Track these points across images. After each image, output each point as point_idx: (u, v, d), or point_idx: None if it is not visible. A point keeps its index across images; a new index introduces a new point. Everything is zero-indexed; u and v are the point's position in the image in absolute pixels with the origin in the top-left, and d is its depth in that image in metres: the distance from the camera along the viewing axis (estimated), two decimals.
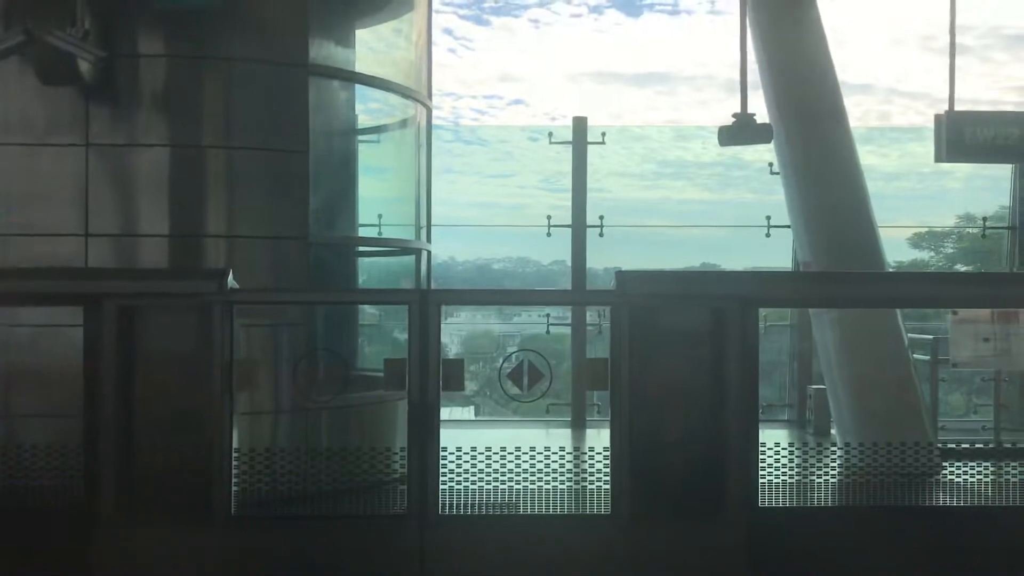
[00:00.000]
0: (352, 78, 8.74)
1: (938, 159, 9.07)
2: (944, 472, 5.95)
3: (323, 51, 8.29)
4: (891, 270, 9.85)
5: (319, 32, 8.14)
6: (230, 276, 5.47)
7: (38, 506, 5.48)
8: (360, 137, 9.42)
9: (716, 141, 9.10)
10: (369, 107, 9.47)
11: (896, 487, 5.77)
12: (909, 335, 9.28)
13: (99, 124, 7.47)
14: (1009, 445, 9.49)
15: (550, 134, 12.30)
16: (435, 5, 10.06)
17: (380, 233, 9.57)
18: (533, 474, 5.56)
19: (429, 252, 9.65)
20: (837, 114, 9.10)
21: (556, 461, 5.60)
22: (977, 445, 8.10)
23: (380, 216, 9.56)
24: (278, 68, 7.86)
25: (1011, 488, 5.84)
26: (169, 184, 7.66)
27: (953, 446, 6.89)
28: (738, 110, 8.89)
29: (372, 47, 9.50)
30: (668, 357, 5.49)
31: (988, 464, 5.93)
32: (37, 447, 5.61)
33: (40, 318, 6.94)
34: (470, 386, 13.54)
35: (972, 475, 5.85)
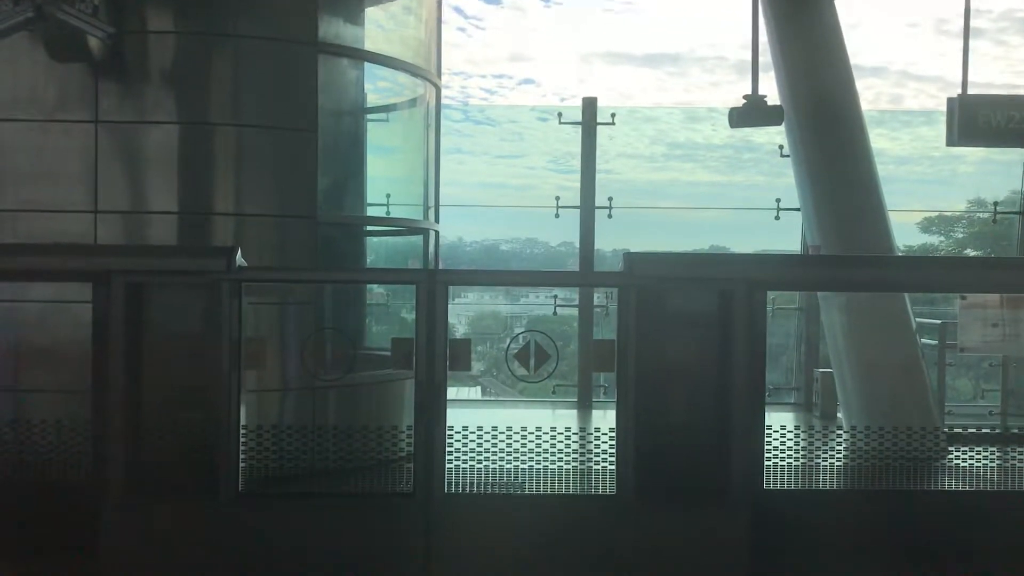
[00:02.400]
0: (361, 56, 8.70)
1: (950, 143, 8.99)
2: (950, 456, 5.96)
3: (332, 29, 8.26)
4: (900, 254, 9.82)
5: (328, 10, 8.11)
6: (238, 254, 5.48)
7: (47, 481, 5.53)
8: (369, 116, 9.39)
9: (726, 123, 9.04)
10: (378, 86, 9.44)
11: (902, 471, 5.78)
12: (917, 319, 9.26)
13: (108, 101, 7.47)
14: (1016, 430, 9.49)
15: (559, 114, 12.25)
16: None
17: (388, 213, 9.57)
18: (539, 454, 5.58)
19: (437, 232, 9.64)
20: (849, 96, 9.04)
21: (562, 442, 5.62)
22: (984, 430, 8.12)
23: (388, 196, 9.55)
24: (287, 46, 7.84)
25: (1017, 473, 5.84)
26: (178, 161, 7.66)
27: (960, 431, 6.89)
28: (749, 92, 8.83)
29: (382, 25, 9.46)
30: (675, 339, 5.49)
31: (994, 449, 5.93)
32: (46, 423, 5.66)
33: (49, 294, 6.97)
34: (477, 366, 13.58)
35: (978, 460, 5.86)
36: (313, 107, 7.90)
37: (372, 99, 9.36)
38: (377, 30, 9.29)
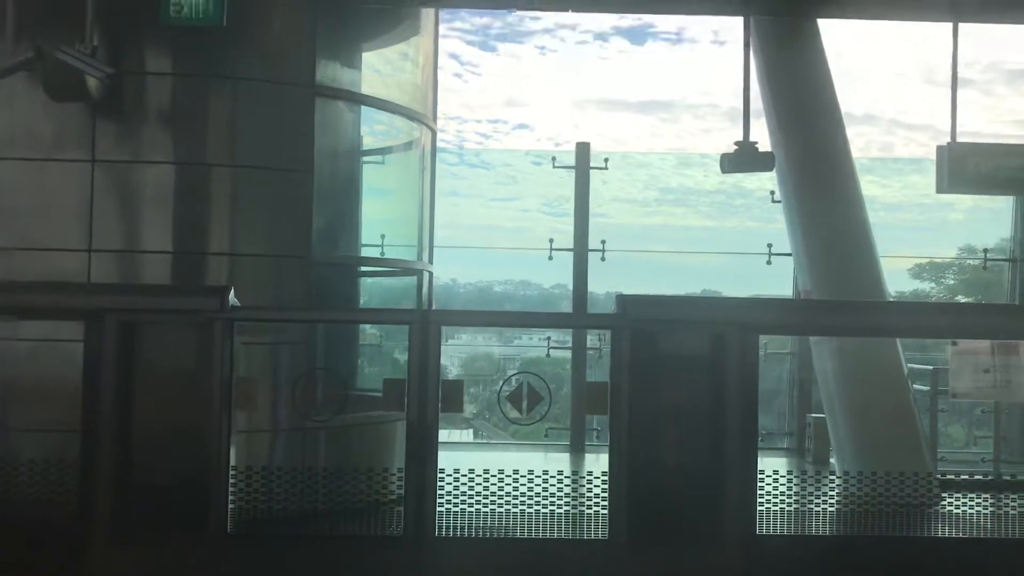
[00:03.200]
0: (358, 99, 8.78)
1: (940, 190, 9.09)
2: (943, 503, 5.94)
3: (329, 72, 8.34)
4: (892, 300, 9.85)
5: (326, 53, 8.20)
6: (231, 293, 5.48)
7: (34, 521, 5.47)
8: (365, 158, 9.46)
9: (718, 168, 9.13)
10: (374, 128, 9.52)
11: (895, 517, 5.75)
12: (909, 365, 9.27)
13: (105, 140, 7.51)
14: (1009, 477, 9.46)
15: (553, 159, 12.35)
16: (442, 30, 10.13)
17: (383, 253, 9.59)
18: (531, 497, 5.54)
19: (431, 273, 9.66)
20: (839, 144, 9.13)
21: (554, 485, 5.59)
22: (977, 477, 8.10)
23: (383, 236, 9.58)
24: (284, 88, 7.91)
25: (1010, 520, 5.82)
26: (173, 201, 7.68)
27: (952, 477, 6.87)
28: (740, 138, 8.92)
29: (379, 69, 9.56)
30: (668, 382, 5.49)
31: (988, 496, 5.91)
32: (34, 461, 5.61)
33: (41, 332, 6.94)
34: (469, 408, 13.51)
35: (971, 507, 5.83)
36: (309, 148, 7.95)
37: (368, 141, 9.44)
38: (374, 74, 9.39)
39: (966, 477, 7.66)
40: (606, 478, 5.44)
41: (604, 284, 12.28)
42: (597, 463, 5.83)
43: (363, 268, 9.57)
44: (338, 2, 7.91)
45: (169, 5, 7.09)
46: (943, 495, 6.01)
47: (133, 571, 5.23)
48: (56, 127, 7.48)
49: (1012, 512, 5.82)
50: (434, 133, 9.77)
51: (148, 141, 7.63)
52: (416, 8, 9.13)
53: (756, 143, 8.89)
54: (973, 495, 5.89)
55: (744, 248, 12.92)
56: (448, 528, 5.45)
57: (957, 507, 5.85)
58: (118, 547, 5.21)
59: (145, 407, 5.35)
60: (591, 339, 11.87)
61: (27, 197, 7.49)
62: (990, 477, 9.39)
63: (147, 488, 5.30)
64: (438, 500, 5.39)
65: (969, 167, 8.75)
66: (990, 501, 5.87)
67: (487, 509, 5.51)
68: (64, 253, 7.39)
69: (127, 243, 7.59)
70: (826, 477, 5.97)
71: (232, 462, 5.41)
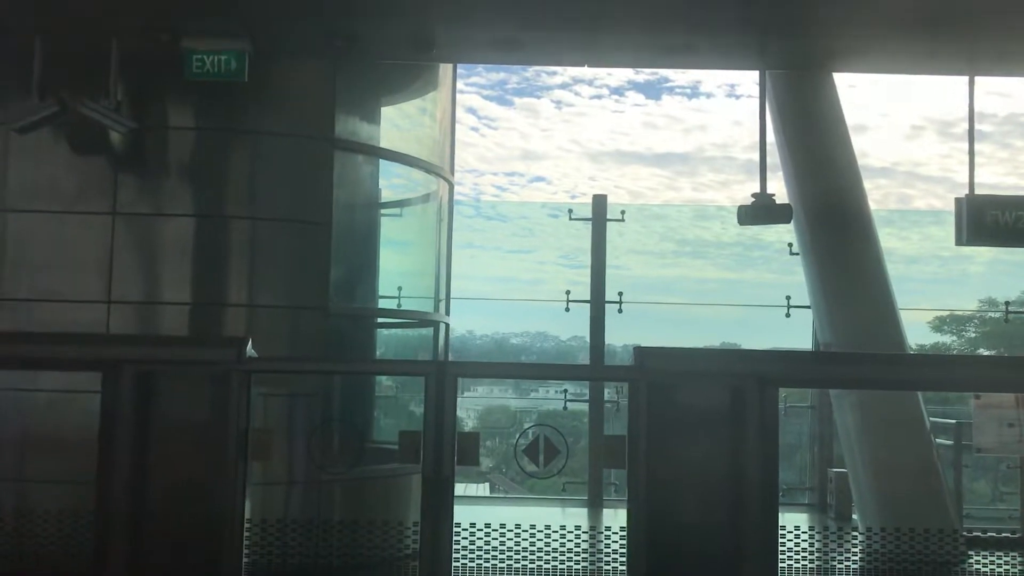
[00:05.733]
0: (376, 153, 8.88)
1: (959, 242, 9.03)
2: (970, 561, 5.80)
3: (348, 126, 8.45)
4: (913, 352, 9.76)
5: (345, 107, 8.31)
6: (249, 344, 5.49)
7: (48, 572, 5.42)
8: (383, 210, 9.53)
9: (735, 221, 9.12)
10: (392, 182, 9.60)
11: (920, 575, 5.62)
12: (931, 419, 9.14)
13: (126, 193, 7.60)
14: None
15: (570, 211, 12.40)
16: (459, 85, 10.28)
17: (400, 305, 9.61)
18: (548, 553, 5.46)
19: (447, 325, 9.66)
20: (857, 196, 9.13)
21: (572, 540, 5.50)
22: (1004, 534, 7.92)
23: (400, 288, 9.60)
24: (304, 141, 8.01)
25: None
26: (192, 253, 7.75)
27: (979, 534, 6.73)
28: (758, 190, 8.93)
29: (397, 123, 9.68)
30: (686, 436, 5.42)
31: (1016, 554, 5.78)
32: (48, 513, 5.58)
33: (57, 383, 6.96)
34: (485, 462, 13.40)
35: (999, 564, 5.70)
36: (328, 201, 8.01)
37: (386, 194, 9.52)
38: (392, 128, 9.51)
39: (993, 534, 7.49)
40: (624, 534, 5.35)
41: (621, 336, 12.23)
42: (615, 518, 5.74)
43: (380, 319, 9.58)
44: (357, 58, 8.04)
45: (192, 61, 7.20)
46: (969, 552, 5.88)
47: None
48: (78, 180, 7.59)
49: None
50: (451, 186, 9.85)
51: (168, 194, 7.72)
52: (434, 63, 9.25)
53: (773, 195, 8.89)
54: (1000, 552, 5.75)
55: (762, 300, 12.87)
56: None
57: (984, 565, 5.72)
58: None
59: (161, 458, 5.32)
60: (608, 392, 11.79)
61: (48, 249, 7.57)
62: (1018, 534, 9.18)
63: (161, 540, 5.25)
64: (454, 555, 5.31)
65: (988, 219, 8.70)
66: (1018, 559, 5.74)
67: (503, 565, 5.43)
68: (84, 305, 7.44)
69: (146, 295, 7.64)
70: (849, 533, 5.86)
71: (247, 514, 5.36)
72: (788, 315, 11.87)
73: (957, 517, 8.85)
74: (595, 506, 11.39)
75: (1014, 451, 9.18)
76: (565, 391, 12.35)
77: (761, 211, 8.85)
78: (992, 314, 13.78)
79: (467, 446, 5.45)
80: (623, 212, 12.16)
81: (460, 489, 5.86)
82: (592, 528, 5.68)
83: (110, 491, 5.22)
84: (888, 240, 10.73)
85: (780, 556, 5.41)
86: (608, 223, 12.02)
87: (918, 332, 14.55)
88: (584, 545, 5.56)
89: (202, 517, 5.27)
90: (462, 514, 5.40)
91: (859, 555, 5.81)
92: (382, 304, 9.40)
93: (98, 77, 7.29)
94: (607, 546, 5.49)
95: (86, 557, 5.33)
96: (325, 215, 7.99)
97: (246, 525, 5.34)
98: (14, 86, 7.43)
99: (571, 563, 5.47)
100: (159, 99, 7.80)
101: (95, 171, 7.56)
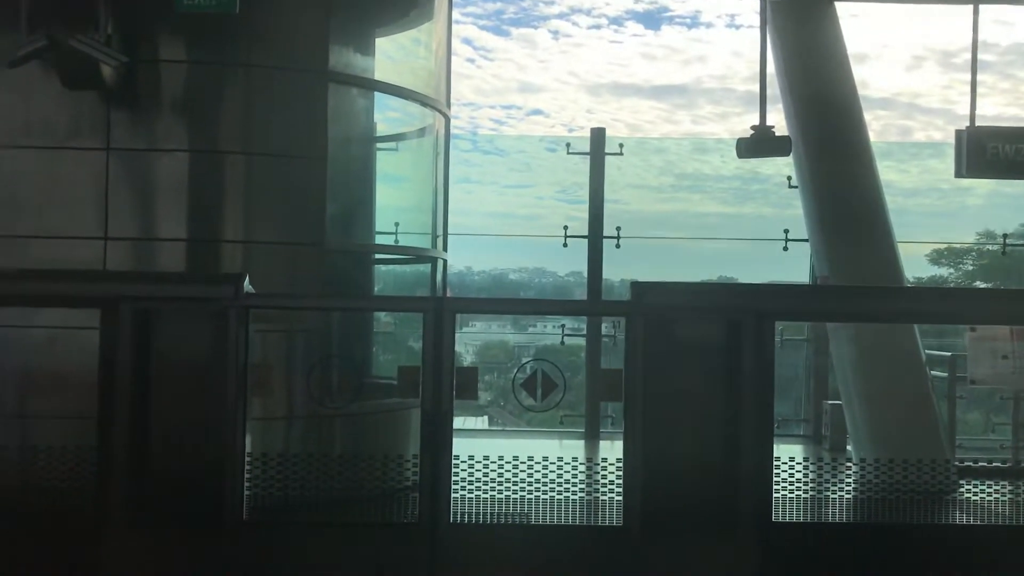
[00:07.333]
0: (371, 86, 8.76)
1: (958, 174, 8.99)
2: (961, 490, 5.89)
3: (342, 58, 8.32)
4: (910, 285, 9.78)
5: (338, 40, 8.18)
6: (246, 281, 5.49)
7: (50, 507, 5.50)
8: (378, 145, 9.44)
9: (734, 154, 9.06)
10: (387, 115, 9.50)
11: (912, 505, 5.71)
12: (927, 352, 9.20)
13: (120, 129, 7.52)
14: None
15: (568, 145, 12.30)
16: (455, 15, 10.09)
17: (397, 241, 9.59)
18: (545, 485, 5.53)
19: (445, 261, 9.65)
20: (856, 128, 9.06)
21: (568, 472, 5.58)
22: (995, 464, 8.04)
23: (397, 224, 9.57)
24: (297, 75, 7.90)
25: None
26: (188, 189, 7.70)
27: (971, 464, 6.81)
28: (757, 123, 8.86)
29: (391, 55, 9.53)
30: (683, 369, 5.46)
31: (1006, 483, 5.86)
32: (51, 448, 5.64)
33: (56, 320, 6.97)
34: (484, 396, 13.52)
35: (989, 494, 5.79)
36: (323, 135, 7.94)
37: (382, 128, 9.42)
38: (387, 60, 9.36)
39: (984, 464, 7.59)
40: (621, 465, 5.42)
41: (619, 271, 12.25)
42: (612, 450, 5.81)
43: (377, 256, 9.57)
44: None
45: None
46: (960, 482, 5.97)
47: (148, 558, 5.26)
48: (70, 116, 7.50)
49: None
50: (447, 119, 9.74)
51: (162, 129, 7.64)
52: None
53: (773, 127, 8.82)
54: (991, 482, 5.84)
55: (760, 234, 12.86)
56: (463, 515, 5.45)
57: (975, 494, 5.81)
58: (133, 534, 5.24)
59: (160, 394, 5.36)
60: (606, 326, 11.85)
61: (42, 185, 7.52)
62: (1008, 464, 9.32)
63: (162, 475, 5.32)
64: (453, 487, 5.39)
65: (988, 151, 8.65)
66: (1008, 488, 5.82)
67: (501, 496, 5.51)
68: (79, 241, 7.42)
69: (142, 231, 7.61)
70: (842, 464, 5.93)
71: (248, 449, 5.42)
72: (786, 249, 11.87)
73: (950, 448, 8.97)
74: (592, 438, 11.53)
75: (1007, 383, 9.27)
76: (563, 326, 12.41)
77: (760, 143, 8.79)
78: (990, 247, 13.76)
79: (465, 380, 5.49)
80: (621, 145, 12.07)
81: (459, 422, 5.93)
82: (589, 460, 5.75)
83: (111, 427, 5.27)
84: (887, 173, 10.67)
85: (775, 486, 5.49)
86: (606, 157, 11.94)
87: (916, 265, 14.56)
88: (581, 476, 5.64)
89: (203, 452, 5.33)
90: (461, 447, 5.47)
91: (852, 485, 5.90)
92: (379, 240, 9.38)
93: (88, 10, 7.16)
94: (604, 477, 5.56)
95: (88, 492, 5.41)
96: (320, 150, 7.92)
97: (247, 459, 5.40)
98: (2, 21, 7.30)
99: (568, 494, 5.55)
100: (150, 32, 7.66)
101: (87, 107, 7.46)
